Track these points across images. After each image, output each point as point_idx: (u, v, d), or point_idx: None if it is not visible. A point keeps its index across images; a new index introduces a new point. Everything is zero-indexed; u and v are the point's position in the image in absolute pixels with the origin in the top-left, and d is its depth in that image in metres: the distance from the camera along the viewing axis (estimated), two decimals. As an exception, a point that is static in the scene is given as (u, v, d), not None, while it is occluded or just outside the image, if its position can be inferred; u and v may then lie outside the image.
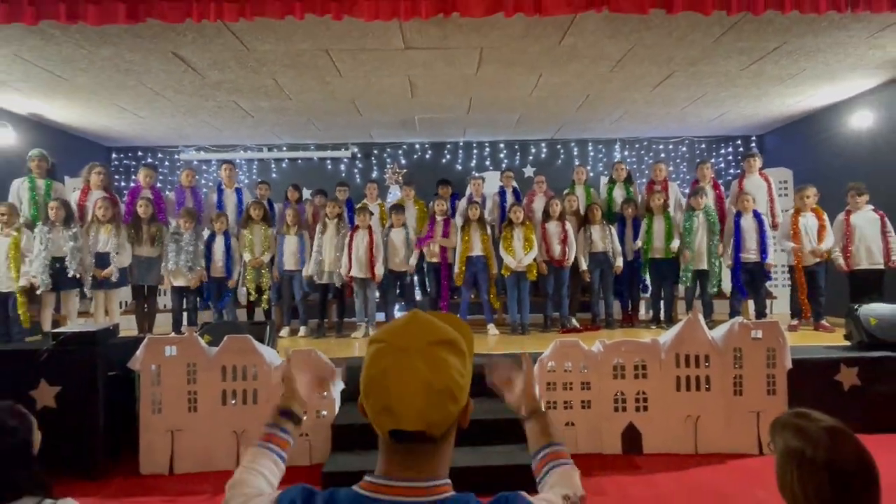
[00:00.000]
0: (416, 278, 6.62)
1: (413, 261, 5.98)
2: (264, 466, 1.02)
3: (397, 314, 6.40)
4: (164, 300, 6.34)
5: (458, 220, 6.14)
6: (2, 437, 1.42)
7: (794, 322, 5.61)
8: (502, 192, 6.83)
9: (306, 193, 7.22)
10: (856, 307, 4.34)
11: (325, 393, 3.73)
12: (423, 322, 0.86)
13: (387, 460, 0.85)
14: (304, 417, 1.17)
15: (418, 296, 6.76)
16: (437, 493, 0.83)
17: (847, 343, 4.41)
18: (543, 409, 1.20)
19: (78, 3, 3.52)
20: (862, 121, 6.22)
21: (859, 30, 4.47)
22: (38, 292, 4.96)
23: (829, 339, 4.86)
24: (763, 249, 5.61)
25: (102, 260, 5.26)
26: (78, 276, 5.07)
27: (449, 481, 0.86)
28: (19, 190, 5.42)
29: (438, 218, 5.99)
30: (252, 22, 3.76)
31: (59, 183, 5.74)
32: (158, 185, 6.66)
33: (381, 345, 0.85)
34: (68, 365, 3.60)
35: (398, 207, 6.14)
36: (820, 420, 1.20)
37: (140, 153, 8.07)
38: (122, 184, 7.87)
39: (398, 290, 6.24)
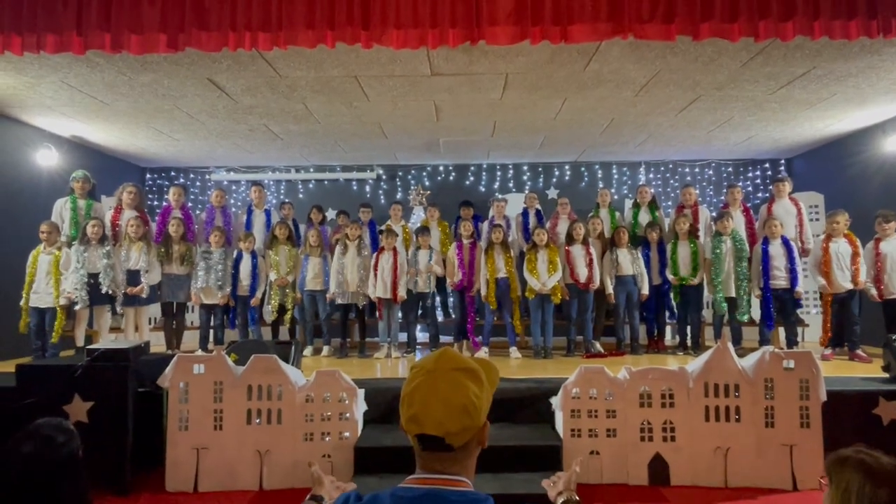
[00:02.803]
0: (438, 299, 6.63)
1: (446, 282, 6.01)
2: None
3: (419, 335, 6.41)
4: (192, 317, 6.47)
5: (482, 244, 6.16)
6: (51, 452, 1.44)
7: (828, 352, 5.43)
8: (525, 214, 6.84)
9: (331, 214, 7.36)
10: (894, 337, 4.19)
11: (348, 414, 3.73)
12: (450, 353, 1.07)
13: (420, 464, 1.03)
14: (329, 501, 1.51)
15: (440, 317, 6.77)
16: (460, 485, 0.99)
17: (885, 375, 4.25)
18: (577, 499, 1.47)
19: (122, 34, 3.69)
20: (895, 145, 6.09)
21: (892, 54, 4.40)
22: (77, 308, 5.13)
23: (865, 370, 4.69)
24: (793, 276, 5.48)
25: (133, 277, 5.42)
26: (111, 292, 5.23)
27: (468, 481, 1.02)
28: (62, 209, 5.65)
29: (465, 241, 6.01)
30: (285, 50, 3.90)
31: (98, 203, 5.96)
32: (190, 204, 6.86)
33: (414, 371, 1.07)
34: (101, 381, 3.68)
35: (424, 230, 6.19)
36: (884, 458, 1.18)
37: (173, 173, 8.34)
38: (156, 203, 8.13)
39: (420, 311, 6.26)
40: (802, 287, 5.64)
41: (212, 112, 5.74)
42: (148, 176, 8.35)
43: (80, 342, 5.30)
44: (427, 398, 0.99)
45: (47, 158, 6.17)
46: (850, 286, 5.31)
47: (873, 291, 5.26)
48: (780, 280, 5.50)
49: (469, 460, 1.03)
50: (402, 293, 5.77)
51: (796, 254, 5.58)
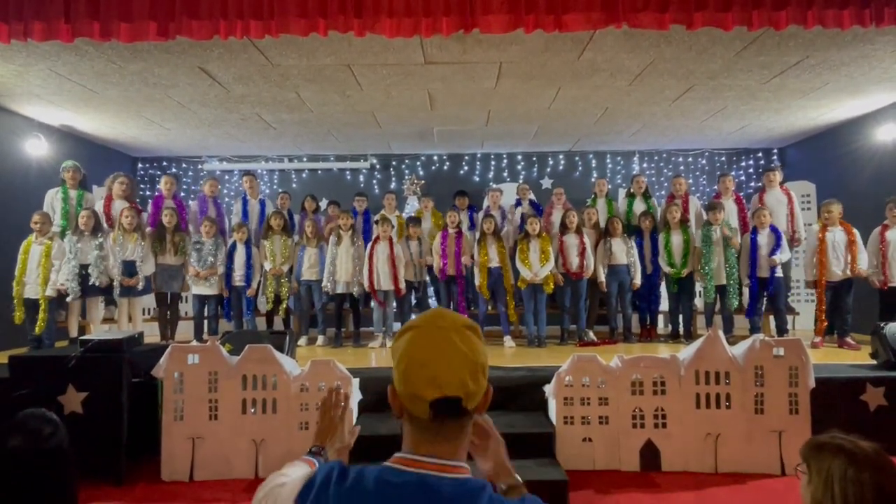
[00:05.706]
0: (431, 288, 6.66)
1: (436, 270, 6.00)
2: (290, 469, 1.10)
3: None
4: (186, 307, 6.46)
5: (475, 234, 6.16)
6: (38, 445, 1.42)
7: (817, 339, 5.50)
8: (518, 204, 6.85)
9: (324, 204, 7.33)
10: (882, 325, 4.25)
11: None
12: (449, 312, 0.96)
13: (414, 440, 0.90)
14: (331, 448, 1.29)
15: (434, 306, 6.79)
16: (456, 471, 0.88)
17: (873, 362, 4.31)
18: (520, 483, 1.10)
19: (111, 22, 3.64)
20: (888, 134, 6.11)
21: (884, 43, 4.41)
22: (69, 300, 5.10)
23: (853, 357, 4.76)
24: (774, 252, 5.49)
25: (129, 268, 5.40)
26: (100, 283, 5.19)
27: (467, 466, 0.90)
28: (53, 200, 5.60)
29: (451, 230, 6.02)
30: (277, 38, 3.86)
31: (89, 193, 5.92)
32: (182, 194, 6.81)
33: (418, 329, 0.92)
34: (95, 371, 3.69)
35: (415, 220, 6.20)
36: (862, 442, 1.18)
37: (165, 163, 8.27)
38: (147, 193, 8.07)
39: (414, 301, 6.28)
40: (788, 272, 5.67)
41: (203, 101, 5.68)
42: (139, 165, 8.27)
43: (73, 333, 5.28)
44: (447, 356, 0.88)
45: (37, 148, 6.10)
46: (843, 275, 5.35)
47: (874, 278, 5.30)
48: (768, 269, 5.54)
49: (468, 434, 0.93)
50: (401, 284, 5.77)
51: (784, 243, 5.61)
